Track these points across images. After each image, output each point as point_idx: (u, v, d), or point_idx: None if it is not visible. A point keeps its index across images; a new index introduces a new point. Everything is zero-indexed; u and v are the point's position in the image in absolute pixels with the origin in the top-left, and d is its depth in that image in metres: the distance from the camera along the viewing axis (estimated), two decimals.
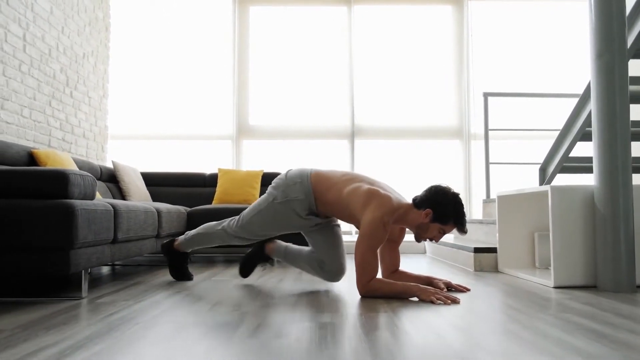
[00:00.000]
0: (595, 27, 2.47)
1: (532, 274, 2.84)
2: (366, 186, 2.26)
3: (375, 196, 2.19)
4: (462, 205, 2.21)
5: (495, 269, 3.23)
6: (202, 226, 2.62)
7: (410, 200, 2.41)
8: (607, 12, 2.43)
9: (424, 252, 4.75)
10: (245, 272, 2.72)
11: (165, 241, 2.77)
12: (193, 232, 2.63)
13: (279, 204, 2.37)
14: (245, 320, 1.74)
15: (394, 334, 1.54)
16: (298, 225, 2.40)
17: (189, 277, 2.75)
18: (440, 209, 2.19)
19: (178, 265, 2.73)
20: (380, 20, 5.01)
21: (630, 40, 2.89)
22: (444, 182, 2.40)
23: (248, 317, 1.79)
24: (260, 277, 2.92)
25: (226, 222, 2.53)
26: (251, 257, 2.70)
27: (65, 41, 3.93)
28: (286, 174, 2.44)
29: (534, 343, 1.43)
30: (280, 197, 2.37)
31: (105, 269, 3.37)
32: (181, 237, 2.68)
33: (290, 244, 2.64)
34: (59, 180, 2.04)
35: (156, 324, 1.68)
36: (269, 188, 2.46)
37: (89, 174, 2.23)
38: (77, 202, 2.07)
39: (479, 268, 3.23)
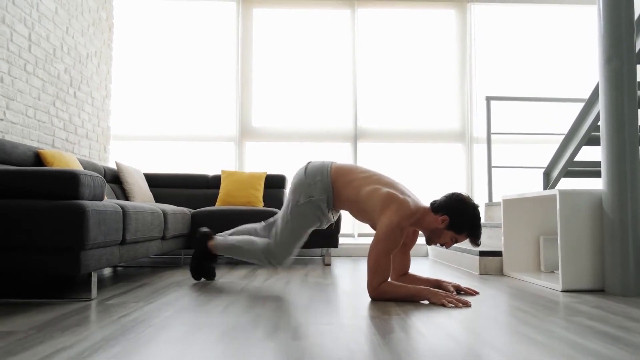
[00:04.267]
0: (604, 32, 2.48)
1: (537, 278, 2.84)
2: (385, 189, 2.25)
3: (394, 200, 2.19)
4: (479, 218, 2.21)
5: (500, 272, 3.24)
6: (244, 238, 2.56)
7: (427, 204, 2.41)
8: (616, 18, 2.45)
9: (426, 255, 4.76)
10: (197, 276, 2.74)
11: (203, 231, 2.68)
12: (234, 240, 2.57)
13: (303, 205, 2.37)
14: (260, 322, 1.74)
15: (411, 335, 1.54)
16: (323, 221, 2.42)
17: (212, 275, 2.76)
18: (457, 218, 2.19)
19: (205, 263, 2.72)
20: (384, 24, 5.02)
21: (638, 45, 2.90)
22: (464, 192, 2.41)
23: (262, 319, 1.79)
24: (266, 279, 2.92)
25: (268, 243, 2.47)
26: (199, 261, 2.71)
27: (70, 41, 3.91)
28: (305, 170, 2.42)
29: (550, 346, 1.43)
30: (303, 198, 2.37)
31: (107, 271, 3.36)
32: (220, 239, 2.63)
33: (228, 236, 2.63)
34: (70, 181, 2.03)
35: (170, 325, 1.68)
36: (289, 191, 2.46)
37: (98, 175, 2.23)
38: (88, 203, 2.06)
39: (484, 271, 3.23)
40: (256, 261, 2.52)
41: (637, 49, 2.90)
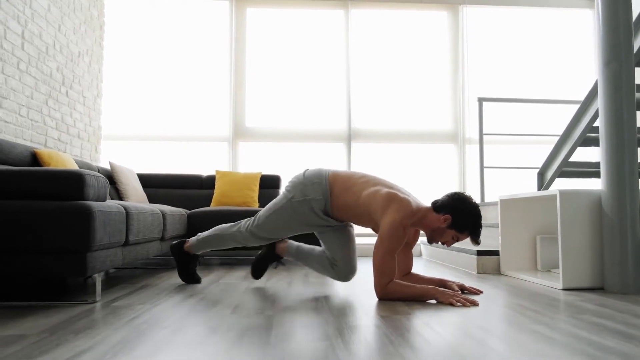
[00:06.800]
0: (603, 35, 2.53)
1: (535, 277, 2.88)
2: (385, 190, 2.27)
3: (395, 199, 2.20)
4: (480, 217, 2.24)
5: (497, 271, 3.28)
6: (215, 228, 2.59)
7: (428, 204, 2.42)
8: (614, 21, 2.50)
9: (420, 255, 4.79)
10: (257, 274, 2.70)
11: (174, 242, 2.72)
12: (206, 234, 2.59)
13: (297, 202, 2.36)
14: (274, 324, 1.73)
15: (428, 334, 1.55)
16: (315, 224, 2.40)
17: (197, 280, 2.72)
18: (459, 217, 2.21)
19: (188, 267, 2.70)
20: (377, 25, 5.04)
21: (636, 47, 2.96)
22: (466, 192, 2.43)
23: (275, 321, 1.78)
24: (267, 280, 2.90)
25: (242, 223, 2.51)
26: (262, 258, 2.69)
27: (62, 39, 3.85)
28: (304, 174, 2.44)
29: (568, 344, 1.45)
30: (298, 196, 2.37)
31: (101, 272, 3.31)
32: (193, 239, 2.64)
33: (301, 244, 2.65)
34: (76, 182, 2.00)
35: (184, 328, 1.66)
36: (285, 187, 2.46)
37: (102, 175, 2.19)
38: (94, 204, 2.03)
39: (482, 270, 3.27)
40: (234, 243, 2.53)
41: (635, 51, 2.95)
